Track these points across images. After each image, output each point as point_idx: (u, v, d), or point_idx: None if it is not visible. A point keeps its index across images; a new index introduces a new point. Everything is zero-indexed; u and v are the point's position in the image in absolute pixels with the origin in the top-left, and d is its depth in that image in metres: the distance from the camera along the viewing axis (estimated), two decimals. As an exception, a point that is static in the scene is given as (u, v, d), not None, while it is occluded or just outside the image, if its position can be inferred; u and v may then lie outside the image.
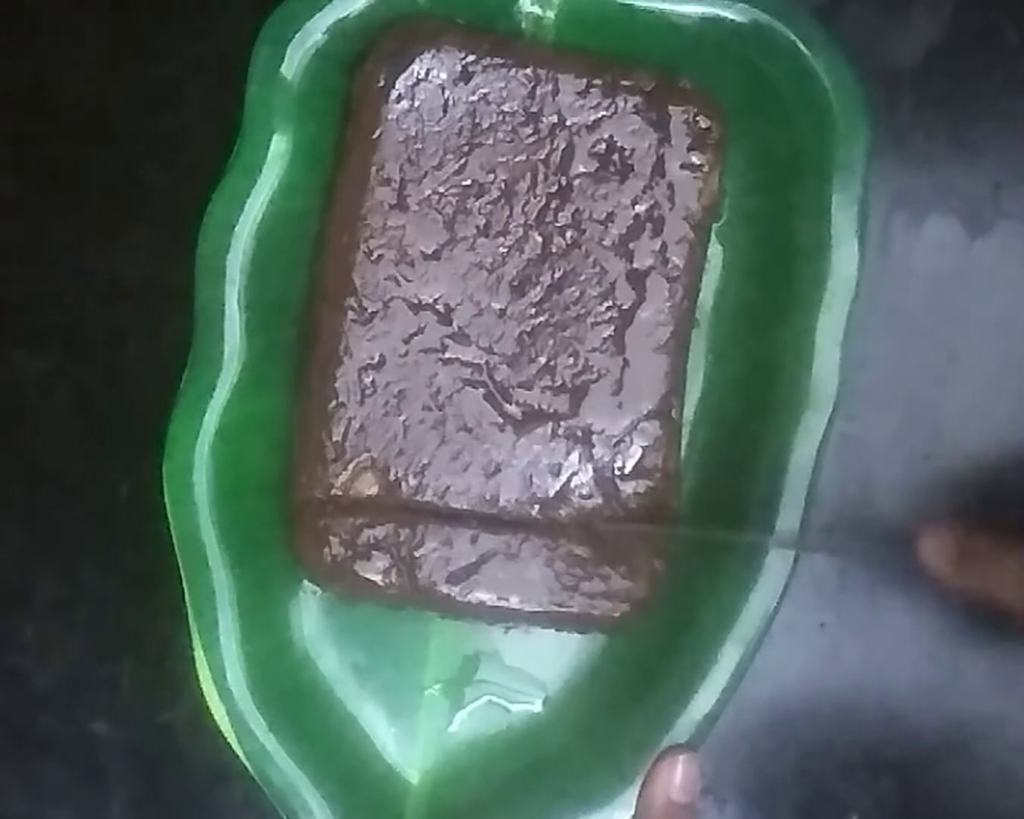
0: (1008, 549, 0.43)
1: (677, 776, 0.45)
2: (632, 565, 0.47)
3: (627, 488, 0.47)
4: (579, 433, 0.47)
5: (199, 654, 0.45)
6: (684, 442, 0.49)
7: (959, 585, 0.44)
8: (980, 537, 0.44)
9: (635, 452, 0.47)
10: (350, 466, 0.46)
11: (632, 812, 0.45)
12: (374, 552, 0.46)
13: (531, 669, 0.48)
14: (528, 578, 0.46)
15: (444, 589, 0.46)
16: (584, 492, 0.47)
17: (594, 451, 0.47)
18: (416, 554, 0.46)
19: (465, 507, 0.46)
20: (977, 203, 0.50)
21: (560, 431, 0.47)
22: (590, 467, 0.47)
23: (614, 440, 0.47)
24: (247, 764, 0.45)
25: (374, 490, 0.46)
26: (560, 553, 0.46)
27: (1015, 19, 0.50)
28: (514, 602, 0.46)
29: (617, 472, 0.47)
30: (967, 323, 0.50)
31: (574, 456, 0.47)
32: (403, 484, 0.46)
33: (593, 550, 0.47)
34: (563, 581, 0.46)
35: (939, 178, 0.50)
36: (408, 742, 0.48)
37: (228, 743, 0.46)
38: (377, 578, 0.46)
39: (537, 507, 0.47)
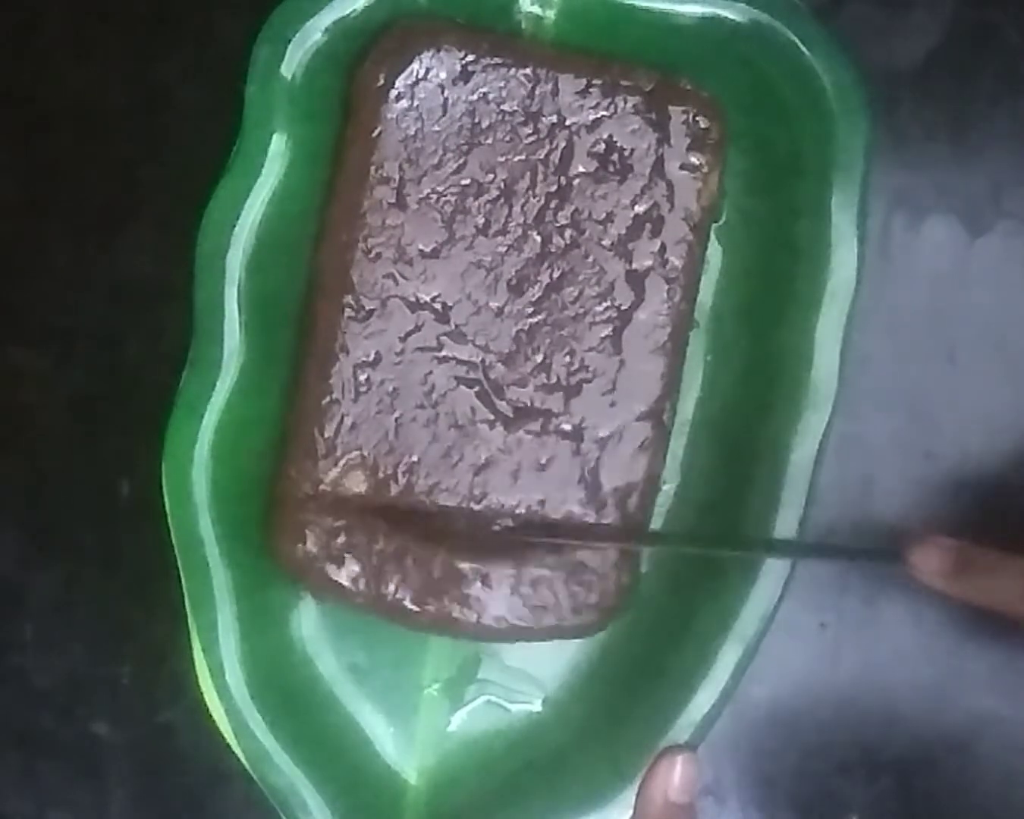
0: (1006, 560, 0.43)
1: (676, 776, 0.45)
2: (599, 576, 0.47)
3: (608, 488, 0.47)
4: (569, 430, 0.47)
5: (198, 654, 0.45)
6: (683, 443, 0.49)
7: (956, 596, 0.44)
8: (975, 548, 0.44)
9: (622, 453, 0.47)
10: (340, 463, 0.46)
11: (631, 812, 0.45)
12: (346, 555, 0.46)
13: (530, 669, 0.48)
14: (495, 603, 0.46)
15: (410, 606, 0.46)
16: (566, 489, 0.47)
17: (582, 447, 0.47)
18: (386, 567, 0.46)
19: (451, 504, 0.46)
20: (977, 203, 0.50)
21: (550, 428, 0.47)
22: (576, 464, 0.47)
23: (603, 439, 0.47)
24: (246, 764, 0.45)
25: (362, 488, 0.46)
26: (528, 577, 0.46)
27: (1015, 19, 0.50)
28: (481, 622, 0.46)
29: (602, 471, 0.47)
30: (967, 323, 0.50)
31: (562, 453, 0.47)
32: (391, 482, 0.46)
33: (561, 565, 0.46)
34: (531, 604, 0.46)
35: (939, 178, 0.50)
36: (407, 742, 0.48)
37: (228, 743, 0.46)
38: (346, 582, 0.45)
39: (521, 504, 0.47)
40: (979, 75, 0.50)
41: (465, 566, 0.46)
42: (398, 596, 0.46)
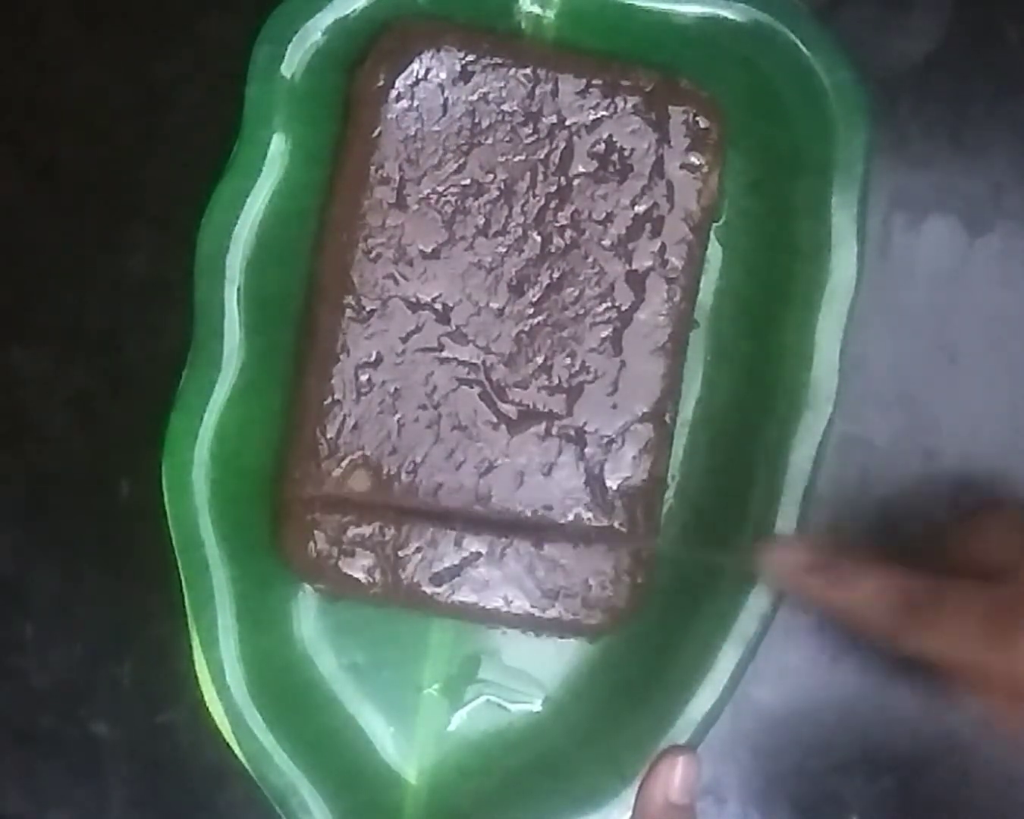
0: (867, 568, 0.43)
1: (676, 776, 0.45)
2: (614, 575, 0.47)
3: (615, 491, 0.47)
4: (572, 433, 0.47)
5: (198, 654, 0.45)
6: (683, 443, 0.49)
7: (819, 598, 0.43)
8: (837, 554, 0.43)
9: (626, 454, 0.47)
10: (343, 463, 0.46)
11: (631, 812, 0.45)
12: (359, 550, 0.46)
13: (530, 669, 0.48)
14: (510, 583, 0.46)
15: (427, 589, 0.46)
16: (574, 492, 0.47)
17: (586, 451, 0.47)
18: (400, 554, 0.46)
19: (456, 506, 0.46)
20: (977, 203, 0.50)
21: (554, 431, 0.47)
22: (581, 467, 0.47)
23: (606, 441, 0.47)
24: (245, 764, 0.45)
25: (366, 487, 0.46)
26: (543, 559, 0.46)
27: (1015, 19, 0.50)
28: (496, 605, 0.46)
29: (607, 474, 0.47)
30: (967, 323, 0.50)
31: (566, 456, 0.47)
32: (395, 482, 0.46)
33: (576, 558, 0.47)
34: (544, 588, 0.46)
35: (939, 178, 0.50)
36: (406, 742, 0.48)
37: (228, 743, 0.46)
38: (360, 576, 0.46)
39: (527, 507, 0.47)
40: (979, 75, 0.50)
41: (481, 545, 0.46)
42: (415, 580, 0.46)
